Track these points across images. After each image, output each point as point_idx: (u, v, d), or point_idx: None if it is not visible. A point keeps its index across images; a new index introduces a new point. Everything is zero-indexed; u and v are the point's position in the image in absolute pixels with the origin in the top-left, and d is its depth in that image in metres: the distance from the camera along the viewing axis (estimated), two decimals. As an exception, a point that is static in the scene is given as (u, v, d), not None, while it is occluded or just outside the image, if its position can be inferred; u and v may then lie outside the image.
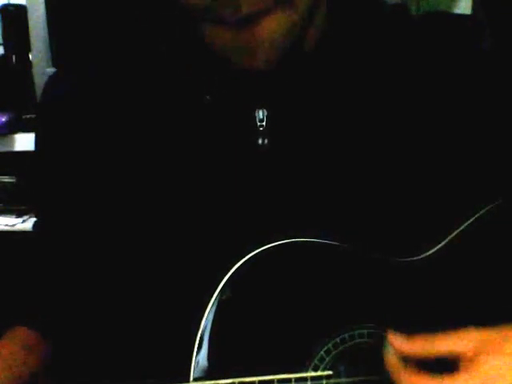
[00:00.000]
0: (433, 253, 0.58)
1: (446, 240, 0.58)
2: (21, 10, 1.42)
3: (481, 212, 0.58)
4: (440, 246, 0.58)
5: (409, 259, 0.57)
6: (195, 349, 0.52)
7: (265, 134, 0.60)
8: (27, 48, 1.41)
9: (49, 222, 0.68)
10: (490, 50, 0.63)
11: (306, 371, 0.53)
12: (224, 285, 0.53)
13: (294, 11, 0.53)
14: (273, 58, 0.54)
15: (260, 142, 0.60)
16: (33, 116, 1.34)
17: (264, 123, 0.60)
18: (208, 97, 0.60)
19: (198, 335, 0.52)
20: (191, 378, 0.52)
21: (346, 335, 0.54)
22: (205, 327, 0.53)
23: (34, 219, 0.71)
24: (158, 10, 0.62)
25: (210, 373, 0.52)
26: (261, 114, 0.60)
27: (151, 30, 0.64)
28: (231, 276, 0.53)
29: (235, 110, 0.60)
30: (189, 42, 0.60)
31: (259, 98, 0.60)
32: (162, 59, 0.62)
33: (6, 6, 1.47)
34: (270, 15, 0.51)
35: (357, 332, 0.54)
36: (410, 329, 0.54)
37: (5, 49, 1.49)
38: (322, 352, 0.54)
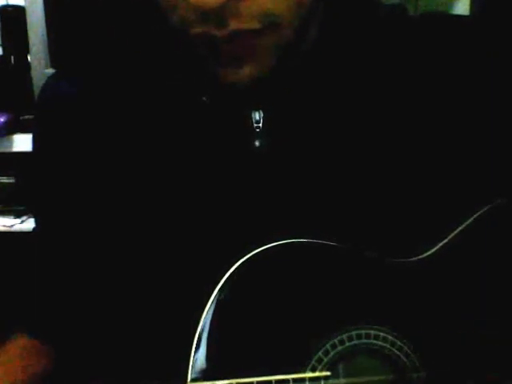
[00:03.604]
0: (432, 253, 0.57)
1: (445, 240, 0.58)
2: (19, 10, 1.42)
3: (480, 212, 0.58)
4: (439, 246, 0.58)
5: (407, 260, 0.57)
6: (193, 349, 0.52)
7: (261, 136, 0.59)
8: (26, 49, 1.41)
9: (47, 225, 0.68)
10: (489, 50, 0.63)
11: (304, 372, 0.53)
12: (222, 285, 0.53)
13: (280, 34, 0.53)
14: (256, 75, 0.55)
15: (257, 143, 0.60)
16: (31, 117, 1.34)
17: (260, 125, 0.60)
18: (205, 98, 0.60)
19: (196, 335, 0.52)
20: (189, 379, 0.52)
21: (345, 336, 0.54)
22: (203, 327, 0.53)
23: (32, 220, 0.71)
24: (152, 15, 0.62)
25: (208, 373, 0.52)
26: (257, 115, 0.60)
27: (148, 31, 0.64)
28: (229, 276, 0.53)
29: (232, 111, 0.60)
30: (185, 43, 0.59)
31: (255, 100, 0.59)
32: (159, 60, 0.62)
33: (5, 7, 1.47)
34: (257, 36, 0.51)
35: (355, 333, 0.54)
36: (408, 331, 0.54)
37: (3, 50, 1.49)
38: (320, 353, 0.53)
